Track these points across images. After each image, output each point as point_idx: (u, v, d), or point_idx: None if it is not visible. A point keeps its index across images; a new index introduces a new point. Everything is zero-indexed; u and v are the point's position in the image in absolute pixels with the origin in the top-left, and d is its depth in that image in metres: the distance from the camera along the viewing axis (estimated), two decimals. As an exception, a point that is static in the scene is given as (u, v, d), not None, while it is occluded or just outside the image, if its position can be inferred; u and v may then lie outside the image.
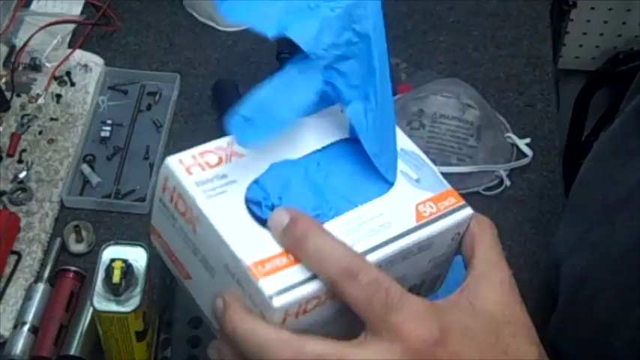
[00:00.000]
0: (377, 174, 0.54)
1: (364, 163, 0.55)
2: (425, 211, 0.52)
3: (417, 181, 0.54)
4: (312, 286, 0.47)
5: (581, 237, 0.75)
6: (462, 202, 0.54)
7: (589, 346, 0.68)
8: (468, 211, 0.53)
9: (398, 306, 0.47)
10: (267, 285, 0.46)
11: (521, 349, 0.51)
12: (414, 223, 0.52)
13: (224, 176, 0.51)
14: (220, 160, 0.53)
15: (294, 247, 0.48)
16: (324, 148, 0.55)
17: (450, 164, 0.96)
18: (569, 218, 0.81)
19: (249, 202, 0.51)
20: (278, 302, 0.46)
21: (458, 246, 0.55)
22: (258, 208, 0.51)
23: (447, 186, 0.54)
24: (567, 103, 1.74)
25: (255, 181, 0.52)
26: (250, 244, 0.48)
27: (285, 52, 1.00)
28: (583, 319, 0.71)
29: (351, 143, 0.55)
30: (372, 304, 0.47)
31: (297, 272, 0.47)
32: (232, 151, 0.53)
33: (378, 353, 0.47)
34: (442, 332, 0.48)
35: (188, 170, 0.51)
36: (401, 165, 0.55)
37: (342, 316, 0.49)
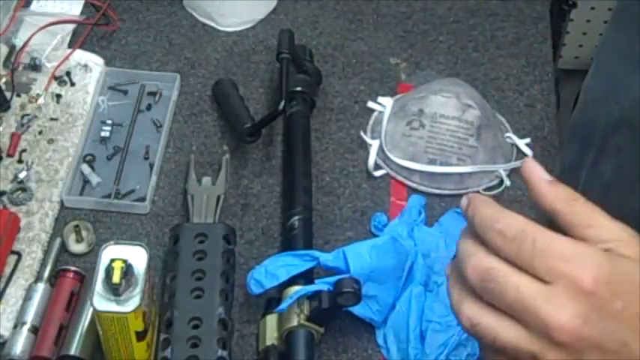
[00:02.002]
0: None
1: None
2: None
3: None
4: None
5: (600, 147, 0.75)
6: None
7: None
8: None
9: (547, 251, 0.48)
10: None
11: None
12: None
13: None
14: None
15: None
16: None
17: (450, 164, 0.96)
18: (580, 137, 0.81)
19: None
20: None
21: None
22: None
23: None
24: (567, 103, 1.74)
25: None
26: None
27: (285, 51, 1.00)
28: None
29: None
30: (522, 254, 0.48)
31: None
32: None
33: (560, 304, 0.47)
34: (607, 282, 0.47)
35: None
36: None
37: None
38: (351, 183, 0.97)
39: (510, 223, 0.50)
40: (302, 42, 1.08)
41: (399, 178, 0.96)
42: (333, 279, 0.79)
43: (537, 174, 0.54)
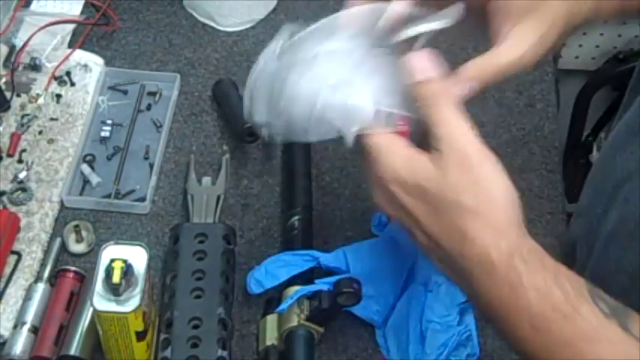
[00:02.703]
0: None
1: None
2: None
3: None
4: None
5: (611, 195, 0.75)
6: None
7: (620, 300, 0.67)
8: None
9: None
10: None
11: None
12: None
13: None
14: None
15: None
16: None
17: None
18: (595, 183, 0.82)
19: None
20: None
21: None
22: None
23: None
24: (567, 103, 1.74)
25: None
26: None
27: (285, 52, 1.00)
28: (614, 272, 0.72)
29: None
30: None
31: None
32: None
33: None
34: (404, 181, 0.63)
35: None
36: None
37: None
38: (351, 183, 0.97)
39: (370, 143, 0.64)
40: (302, 42, 1.08)
41: None
42: (333, 279, 0.79)
43: (415, 73, 0.64)
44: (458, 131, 0.61)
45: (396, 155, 0.63)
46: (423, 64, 0.64)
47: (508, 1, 0.68)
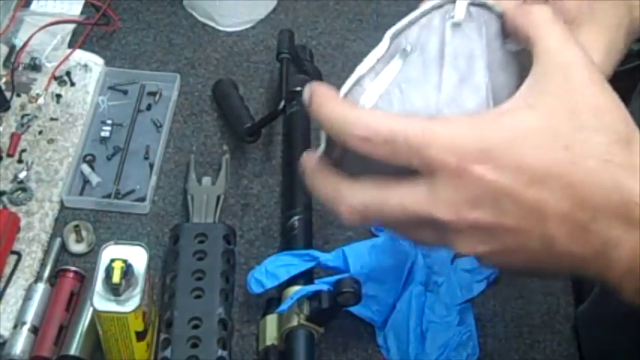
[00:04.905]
0: None
1: None
2: None
3: None
4: None
5: None
6: None
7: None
8: None
9: (422, 145, 0.45)
10: None
11: (589, 141, 0.44)
12: None
13: None
14: None
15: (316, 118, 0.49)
16: None
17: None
18: None
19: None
20: None
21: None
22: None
23: None
24: (567, 103, 1.73)
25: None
26: None
27: (285, 51, 1.00)
28: None
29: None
30: (397, 156, 0.46)
31: None
32: None
33: (422, 194, 0.46)
34: (482, 151, 0.44)
35: None
36: None
37: None
38: (351, 183, 0.97)
39: (373, 127, 0.47)
40: (302, 42, 1.08)
41: None
42: (333, 279, 0.79)
43: None
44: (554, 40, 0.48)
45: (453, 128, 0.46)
46: None
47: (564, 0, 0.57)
